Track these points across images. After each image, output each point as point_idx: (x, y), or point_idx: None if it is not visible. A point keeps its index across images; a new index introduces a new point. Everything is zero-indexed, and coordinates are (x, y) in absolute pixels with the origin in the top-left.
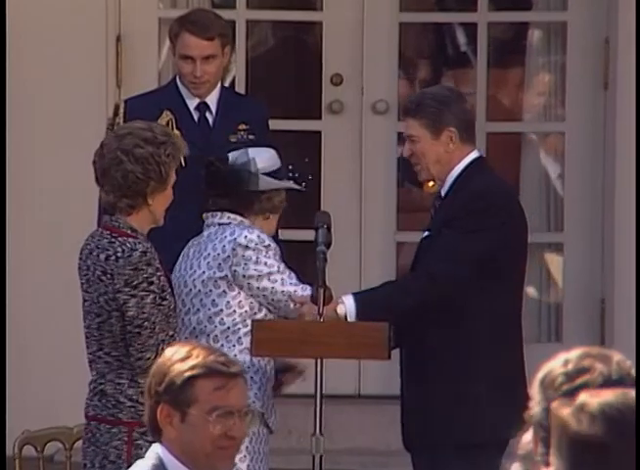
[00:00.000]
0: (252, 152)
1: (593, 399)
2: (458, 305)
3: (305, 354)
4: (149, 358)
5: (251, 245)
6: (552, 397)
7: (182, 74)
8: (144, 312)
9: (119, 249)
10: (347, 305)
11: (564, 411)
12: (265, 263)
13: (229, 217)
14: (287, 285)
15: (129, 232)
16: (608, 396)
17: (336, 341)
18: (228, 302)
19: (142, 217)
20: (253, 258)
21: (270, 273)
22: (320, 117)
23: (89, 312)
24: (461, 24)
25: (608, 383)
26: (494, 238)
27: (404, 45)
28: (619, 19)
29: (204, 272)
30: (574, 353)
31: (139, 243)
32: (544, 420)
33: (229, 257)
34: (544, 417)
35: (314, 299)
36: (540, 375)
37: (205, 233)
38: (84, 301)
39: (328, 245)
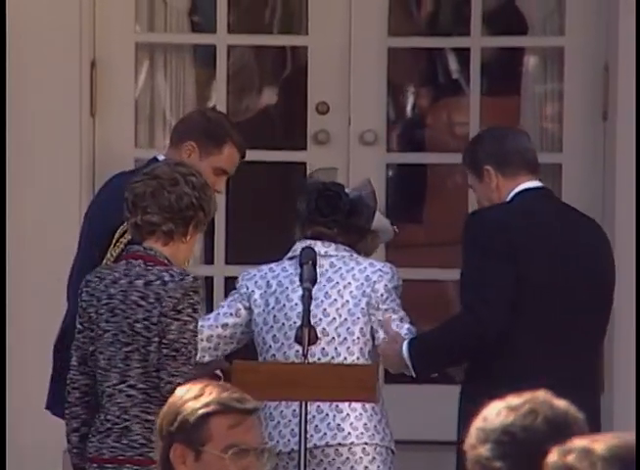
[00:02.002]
0: (365, 183)
1: (595, 443)
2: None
3: (291, 398)
4: (179, 384)
5: (395, 280)
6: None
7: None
8: (184, 338)
9: (165, 274)
10: (403, 348)
11: (568, 458)
12: (396, 301)
13: (346, 249)
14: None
15: (166, 262)
16: (608, 439)
17: (323, 384)
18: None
19: (172, 254)
20: (392, 293)
21: (394, 310)
22: (305, 148)
23: (112, 343)
24: (453, 50)
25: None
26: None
27: (393, 72)
28: (620, 44)
29: (347, 301)
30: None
31: (185, 270)
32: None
33: (375, 282)
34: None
35: (299, 339)
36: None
37: (326, 263)
38: (104, 332)
39: (313, 282)
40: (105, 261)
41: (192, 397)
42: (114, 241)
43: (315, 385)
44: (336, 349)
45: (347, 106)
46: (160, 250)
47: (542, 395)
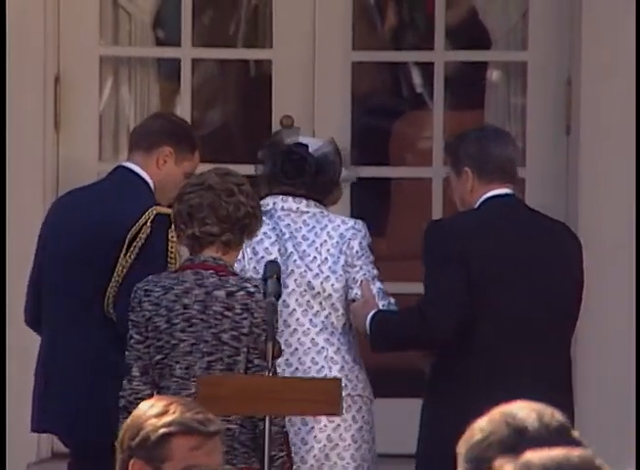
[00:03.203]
0: (328, 141)
1: (536, 456)
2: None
3: (255, 411)
4: None
5: (367, 238)
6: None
7: (175, 186)
8: (269, 347)
9: (247, 284)
10: (367, 319)
11: (508, 468)
12: (369, 258)
13: (316, 205)
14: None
15: (235, 271)
16: (552, 454)
17: (286, 397)
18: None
19: (230, 262)
20: (366, 250)
21: (368, 270)
22: None
23: (190, 353)
24: (417, 64)
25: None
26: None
27: (357, 86)
28: (582, 59)
29: (326, 259)
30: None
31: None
32: None
33: (350, 239)
34: None
35: (263, 354)
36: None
37: (299, 220)
38: (179, 341)
39: (277, 296)
40: (119, 267)
41: (155, 413)
42: (125, 247)
43: (280, 398)
44: (321, 303)
45: (312, 119)
46: (224, 259)
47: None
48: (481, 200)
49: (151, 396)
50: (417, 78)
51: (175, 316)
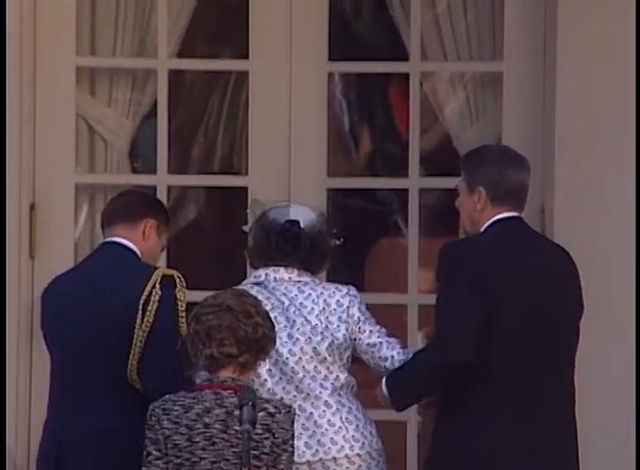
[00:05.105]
0: (316, 210)
1: None
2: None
3: None
4: None
5: (363, 302)
6: None
7: (157, 256)
8: (291, 467)
9: (268, 405)
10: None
11: None
12: (371, 319)
13: (307, 274)
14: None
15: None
16: None
17: None
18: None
19: (245, 380)
20: (364, 312)
21: (378, 331)
22: None
23: None
24: (391, 190)
25: None
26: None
27: (333, 212)
28: (555, 186)
29: (327, 327)
30: None
31: (283, 400)
32: None
33: (348, 308)
34: None
35: None
36: None
37: (294, 288)
38: (200, 459)
39: (253, 423)
40: (139, 332)
41: None
42: (140, 311)
43: None
44: (328, 367)
45: None
46: (242, 378)
47: None
48: (490, 222)
49: None
50: (392, 205)
51: (196, 435)
